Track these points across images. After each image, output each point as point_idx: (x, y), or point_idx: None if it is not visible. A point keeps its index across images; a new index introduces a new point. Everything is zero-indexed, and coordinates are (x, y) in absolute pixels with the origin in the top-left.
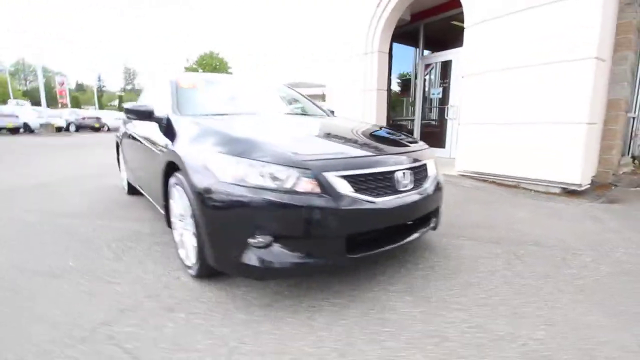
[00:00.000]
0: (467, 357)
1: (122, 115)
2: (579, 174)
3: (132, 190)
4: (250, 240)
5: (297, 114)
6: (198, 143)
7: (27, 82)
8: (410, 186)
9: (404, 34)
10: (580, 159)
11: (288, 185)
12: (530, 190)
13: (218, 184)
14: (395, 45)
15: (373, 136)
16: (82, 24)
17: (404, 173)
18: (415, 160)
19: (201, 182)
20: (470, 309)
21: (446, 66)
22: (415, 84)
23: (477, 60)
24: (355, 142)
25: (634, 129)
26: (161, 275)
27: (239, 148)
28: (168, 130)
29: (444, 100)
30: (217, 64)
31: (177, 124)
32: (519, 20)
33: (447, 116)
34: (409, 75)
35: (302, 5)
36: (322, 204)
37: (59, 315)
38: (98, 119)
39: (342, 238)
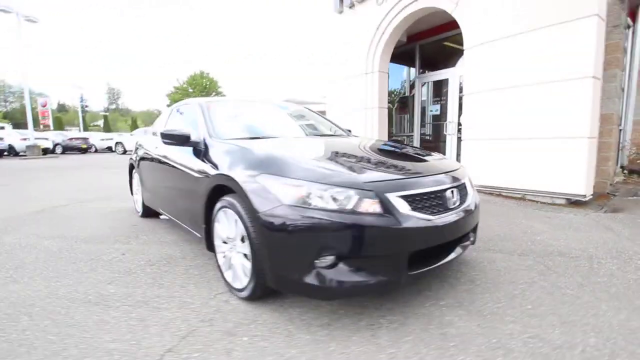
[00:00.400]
0: None
1: (111, 135)
2: (583, 185)
3: (147, 213)
4: (316, 261)
5: (328, 135)
6: (254, 167)
7: (7, 104)
8: (457, 203)
9: (400, 54)
10: (583, 171)
11: (352, 206)
12: (537, 201)
13: (282, 207)
14: (391, 64)
15: (415, 156)
16: (65, 36)
17: (452, 191)
18: (458, 179)
19: (263, 205)
20: (522, 319)
21: (443, 84)
22: (413, 101)
23: (478, 79)
24: (405, 162)
25: (621, 140)
26: (208, 299)
27: (300, 172)
28: (208, 154)
29: (441, 116)
30: (207, 83)
31: (219, 147)
32: (518, 42)
33: (445, 132)
34: (406, 93)
35: (297, 23)
36: (386, 224)
37: (117, 344)
38: (85, 139)
39: (405, 255)
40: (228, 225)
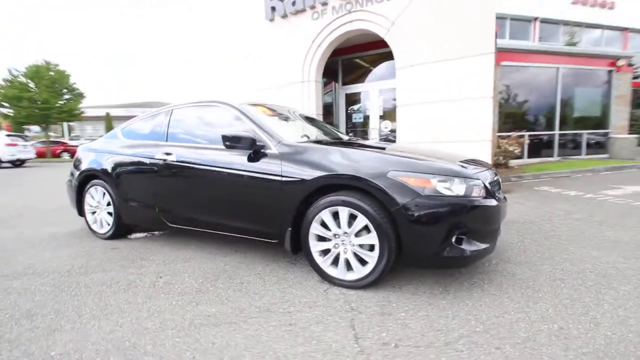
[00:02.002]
0: None
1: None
2: None
3: (118, 233)
4: (451, 238)
5: (366, 139)
6: (381, 166)
7: None
8: (499, 193)
9: (325, 67)
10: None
11: (470, 192)
12: None
13: (420, 197)
14: None
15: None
16: None
17: (498, 182)
18: (497, 173)
19: (402, 198)
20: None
21: (365, 96)
22: (337, 110)
23: (408, 94)
24: (469, 159)
25: None
26: (324, 294)
27: (427, 169)
28: (292, 157)
29: (365, 123)
30: (56, 77)
31: (308, 151)
32: (438, 68)
33: (368, 137)
34: (332, 102)
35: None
36: (489, 204)
37: (303, 347)
38: None
39: (498, 227)
40: (334, 222)
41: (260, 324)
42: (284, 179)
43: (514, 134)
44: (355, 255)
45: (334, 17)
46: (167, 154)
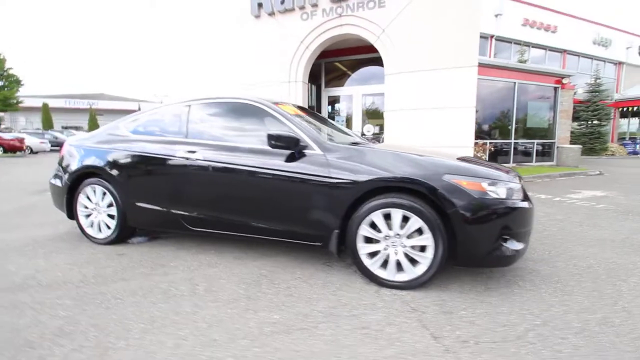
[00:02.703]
0: None
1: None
2: None
3: (122, 236)
4: (500, 238)
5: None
6: (438, 170)
7: None
8: None
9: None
10: None
11: (514, 195)
12: None
13: (475, 200)
14: None
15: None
16: None
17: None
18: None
19: (460, 200)
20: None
21: (347, 98)
22: (319, 111)
23: (396, 100)
24: (496, 165)
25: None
26: (381, 295)
27: (479, 173)
28: (343, 159)
29: (347, 126)
30: None
31: (363, 152)
32: (424, 76)
33: None
34: (314, 104)
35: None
36: (528, 206)
37: (396, 348)
38: None
39: (531, 228)
40: (385, 224)
41: (333, 329)
42: (333, 180)
43: (480, 141)
44: (406, 256)
45: (324, 20)
46: (191, 152)
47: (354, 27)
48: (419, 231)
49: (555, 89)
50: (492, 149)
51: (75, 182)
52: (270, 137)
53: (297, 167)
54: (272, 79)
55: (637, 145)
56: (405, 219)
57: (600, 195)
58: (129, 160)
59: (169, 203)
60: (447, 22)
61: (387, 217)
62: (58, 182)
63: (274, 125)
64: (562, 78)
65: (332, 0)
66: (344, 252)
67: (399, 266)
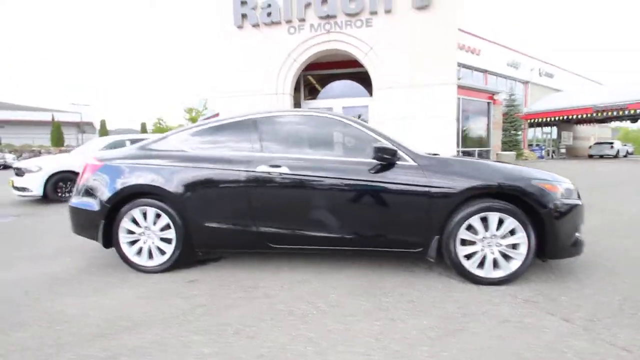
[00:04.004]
0: None
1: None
2: None
3: (182, 260)
4: (576, 230)
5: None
6: (523, 177)
7: None
8: None
9: None
10: None
11: (576, 195)
12: None
13: (558, 200)
14: None
15: None
16: None
17: None
18: None
19: (549, 201)
20: None
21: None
22: None
23: (383, 112)
24: None
25: None
26: (490, 297)
27: (550, 177)
28: (440, 169)
29: None
30: None
31: (450, 164)
32: (410, 92)
33: None
34: None
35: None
36: (582, 204)
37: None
38: None
39: None
40: (482, 226)
41: (484, 326)
42: (433, 189)
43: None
44: (502, 254)
45: (312, 35)
46: (274, 166)
47: (342, 44)
48: (512, 231)
49: (489, 103)
50: None
51: (118, 204)
52: (377, 150)
53: (396, 178)
54: (256, 90)
55: (543, 151)
56: (500, 221)
57: None
58: (195, 177)
59: (249, 221)
60: (429, 45)
61: (482, 220)
62: (89, 206)
63: (357, 138)
64: (494, 94)
65: (320, 16)
66: (426, 256)
67: (494, 264)
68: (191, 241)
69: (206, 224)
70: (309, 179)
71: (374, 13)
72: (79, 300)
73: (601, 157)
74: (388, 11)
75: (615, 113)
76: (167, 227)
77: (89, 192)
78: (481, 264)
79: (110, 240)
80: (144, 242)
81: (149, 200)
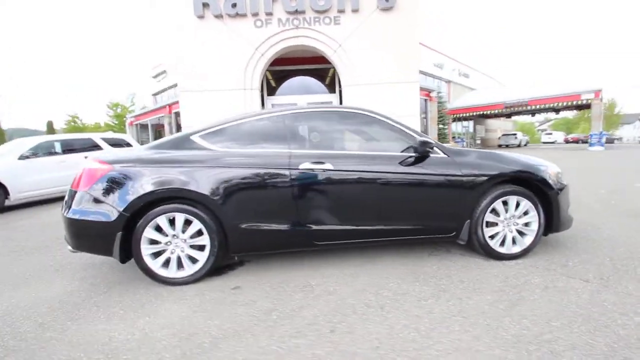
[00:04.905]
0: None
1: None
2: None
3: (214, 267)
4: (568, 207)
5: None
6: (534, 166)
7: None
8: None
9: None
10: None
11: (562, 177)
12: None
13: (558, 182)
14: None
15: None
16: None
17: None
18: None
19: (555, 184)
20: None
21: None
22: None
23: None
24: None
25: None
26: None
27: (549, 164)
28: (461, 161)
29: None
30: None
31: (472, 155)
32: (377, 88)
33: None
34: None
35: None
36: None
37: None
38: None
39: None
40: (504, 209)
41: (537, 294)
42: (464, 178)
43: None
44: (519, 232)
45: (280, 29)
46: (318, 162)
47: (311, 40)
48: (525, 212)
49: (426, 100)
50: None
51: (139, 213)
52: (424, 144)
53: (435, 170)
54: (222, 85)
55: (464, 143)
56: (517, 204)
57: None
58: (232, 178)
59: (293, 220)
60: (394, 42)
61: (504, 203)
62: (100, 217)
63: (391, 133)
64: (430, 92)
65: (288, 11)
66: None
67: (513, 242)
68: (226, 246)
69: (244, 226)
70: (353, 174)
71: (341, 11)
72: (124, 324)
73: (507, 146)
74: (355, 10)
75: (519, 108)
76: (198, 233)
77: (98, 201)
78: (502, 243)
79: (126, 253)
80: (172, 252)
81: (177, 205)
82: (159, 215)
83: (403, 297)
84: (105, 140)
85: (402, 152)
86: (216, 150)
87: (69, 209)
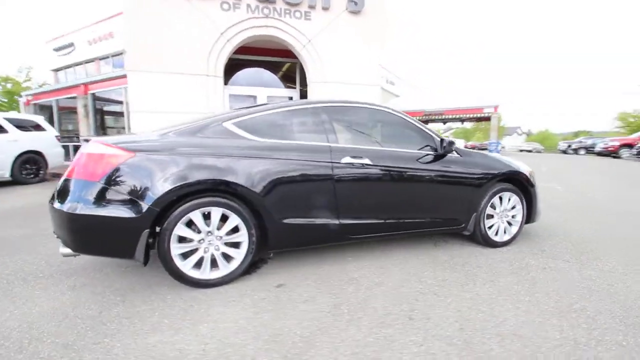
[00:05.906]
0: None
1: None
2: None
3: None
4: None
5: None
6: (520, 165)
7: None
8: None
9: None
10: None
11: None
12: None
13: (534, 180)
14: None
15: None
16: None
17: None
18: None
19: (533, 182)
20: None
21: (251, 100)
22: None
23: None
24: None
25: None
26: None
27: (527, 166)
28: (469, 160)
29: None
30: None
31: (474, 156)
32: (342, 88)
33: None
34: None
35: None
36: None
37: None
38: None
39: None
40: (500, 203)
41: (537, 272)
42: (474, 176)
43: None
44: (509, 223)
45: (249, 16)
46: (357, 157)
47: (280, 32)
48: (513, 206)
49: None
50: None
51: (170, 206)
52: (450, 143)
53: (456, 168)
54: (182, 69)
55: None
56: (508, 199)
57: None
58: (275, 169)
59: (333, 214)
60: (360, 44)
61: (501, 198)
62: (120, 212)
63: (412, 132)
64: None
65: None
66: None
67: (504, 231)
68: (265, 243)
69: (285, 221)
70: (386, 169)
71: (312, 7)
72: (183, 333)
73: None
74: (326, 8)
75: (436, 117)
76: (235, 229)
77: (116, 193)
78: (496, 233)
79: (148, 255)
80: (205, 252)
81: (214, 199)
82: (192, 209)
83: (446, 283)
84: (10, 120)
85: (419, 149)
86: (257, 140)
87: (68, 202)
